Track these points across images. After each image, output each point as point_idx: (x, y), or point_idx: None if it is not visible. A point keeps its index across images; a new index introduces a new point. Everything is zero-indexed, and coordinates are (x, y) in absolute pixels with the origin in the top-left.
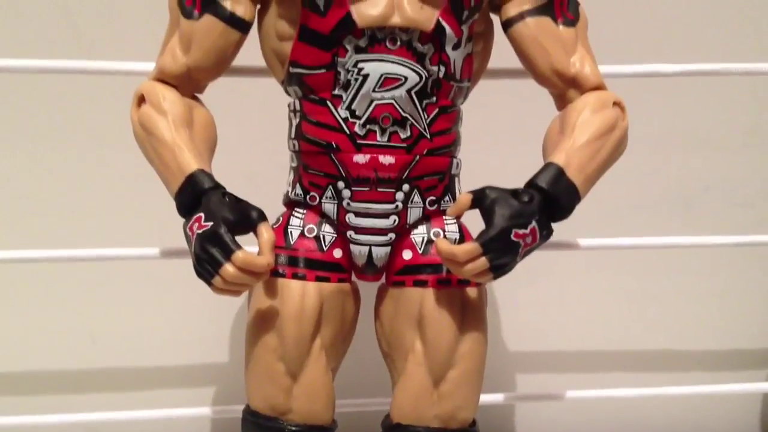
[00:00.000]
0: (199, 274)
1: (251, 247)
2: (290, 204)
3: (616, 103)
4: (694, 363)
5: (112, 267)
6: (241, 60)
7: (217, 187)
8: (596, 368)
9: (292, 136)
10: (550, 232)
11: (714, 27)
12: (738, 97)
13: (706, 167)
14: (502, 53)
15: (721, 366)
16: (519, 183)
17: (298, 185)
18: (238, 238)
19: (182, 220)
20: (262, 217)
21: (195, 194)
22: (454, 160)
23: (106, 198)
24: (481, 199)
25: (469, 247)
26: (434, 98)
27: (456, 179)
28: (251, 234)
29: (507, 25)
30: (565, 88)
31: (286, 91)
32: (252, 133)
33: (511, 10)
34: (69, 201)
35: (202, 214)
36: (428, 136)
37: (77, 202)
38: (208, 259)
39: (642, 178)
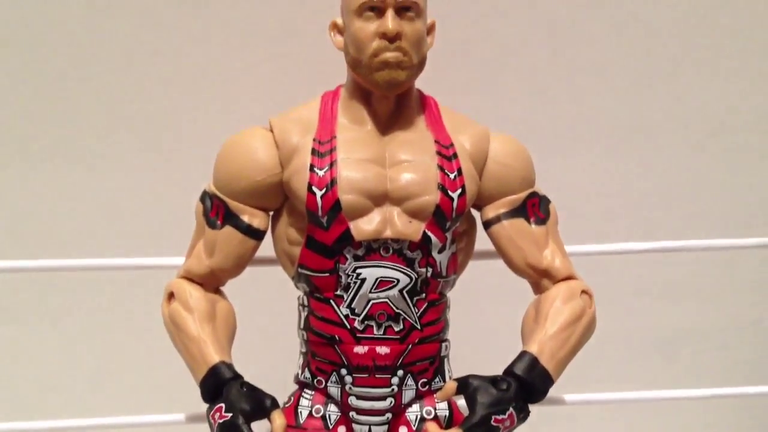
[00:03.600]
0: None
1: None
2: (300, 384)
3: (584, 292)
4: None
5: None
6: (261, 252)
7: (236, 377)
8: None
9: (302, 326)
10: (527, 414)
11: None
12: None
13: (685, 315)
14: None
15: None
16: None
17: (306, 369)
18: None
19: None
20: (275, 404)
21: (217, 384)
22: (443, 344)
23: (135, 369)
24: (465, 386)
25: None
26: (423, 294)
27: (445, 360)
28: None
29: (486, 225)
30: (538, 278)
31: (296, 286)
32: (269, 315)
33: (490, 213)
34: (103, 371)
35: (222, 405)
36: (419, 327)
37: (113, 373)
38: None
39: (627, 325)
